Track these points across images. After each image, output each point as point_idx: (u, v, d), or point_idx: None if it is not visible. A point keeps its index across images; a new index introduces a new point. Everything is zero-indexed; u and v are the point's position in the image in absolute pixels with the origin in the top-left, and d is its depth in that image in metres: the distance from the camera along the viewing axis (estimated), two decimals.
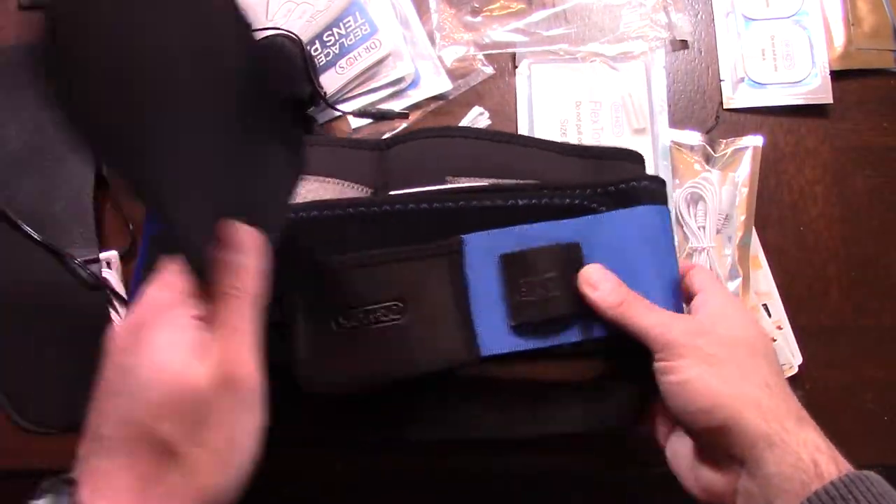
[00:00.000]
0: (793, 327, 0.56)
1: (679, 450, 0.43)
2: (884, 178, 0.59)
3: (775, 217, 0.59)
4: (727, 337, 0.40)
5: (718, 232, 0.57)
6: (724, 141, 0.59)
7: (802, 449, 0.36)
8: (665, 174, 0.58)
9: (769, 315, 0.56)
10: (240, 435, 0.30)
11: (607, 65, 0.60)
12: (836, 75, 0.60)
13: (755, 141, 0.59)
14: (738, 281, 0.56)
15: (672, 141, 0.59)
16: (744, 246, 0.57)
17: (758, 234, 0.58)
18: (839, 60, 0.61)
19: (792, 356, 0.56)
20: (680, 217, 0.57)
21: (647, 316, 0.41)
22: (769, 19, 0.62)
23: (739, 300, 0.54)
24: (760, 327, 0.43)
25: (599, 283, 0.42)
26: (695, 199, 0.57)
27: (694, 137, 0.59)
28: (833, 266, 0.58)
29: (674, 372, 0.39)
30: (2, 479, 0.55)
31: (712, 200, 0.57)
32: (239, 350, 0.31)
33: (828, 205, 0.59)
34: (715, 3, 0.63)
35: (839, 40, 0.61)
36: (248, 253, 0.33)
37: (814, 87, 0.60)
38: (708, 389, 0.38)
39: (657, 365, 0.40)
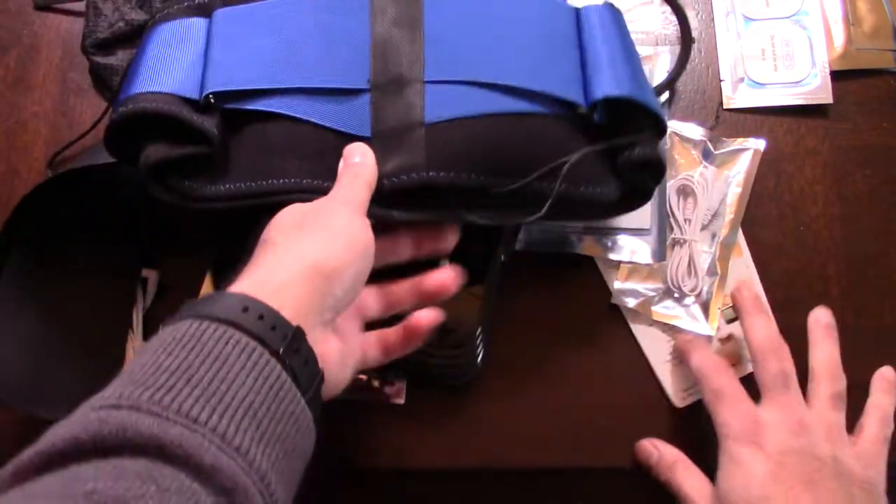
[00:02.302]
0: (792, 327, 0.56)
1: None
2: (884, 178, 0.59)
3: (775, 217, 0.58)
4: None
5: (704, 228, 0.57)
6: (727, 140, 0.59)
7: None
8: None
9: None
10: (335, 227, 0.41)
11: None
12: (836, 75, 0.60)
13: (758, 144, 0.59)
14: (716, 279, 0.56)
15: (675, 132, 0.59)
16: (726, 246, 0.57)
17: (757, 234, 0.58)
18: (839, 60, 0.61)
19: None
20: (668, 206, 0.57)
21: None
22: (769, 19, 0.62)
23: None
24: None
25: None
26: (685, 193, 0.57)
27: (696, 132, 0.59)
28: (833, 266, 0.58)
29: None
30: None
31: (702, 196, 0.57)
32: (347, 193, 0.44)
33: (828, 204, 0.59)
34: (715, 3, 0.63)
35: (839, 40, 0.61)
36: (364, 155, 0.46)
37: (814, 87, 0.60)
38: None
39: None
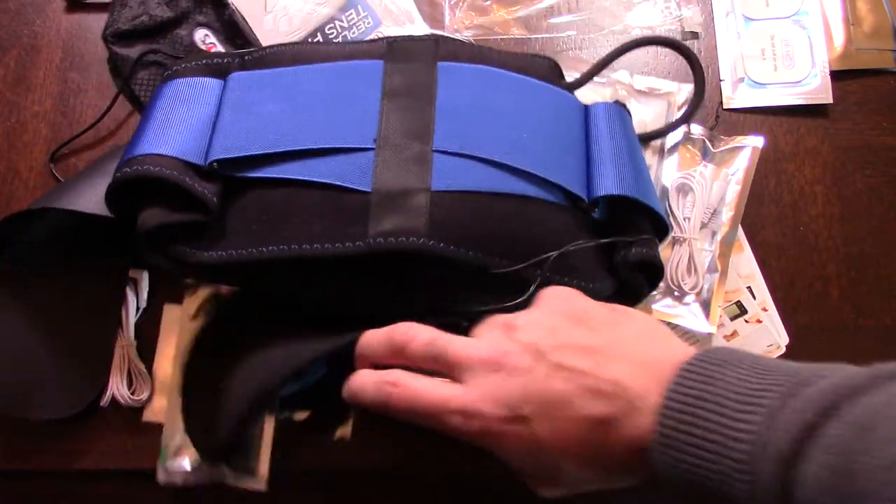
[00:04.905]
0: (792, 326, 0.56)
1: None
2: (884, 178, 0.59)
3: (775, 217, 0.58)
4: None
5: (704, 226, 0.57)
6: (726, 138, 0.59)
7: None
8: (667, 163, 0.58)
9: (753, 297, 0.56)
10: None
11: (632, 98, 0.60)
12: (836, 75, 0.60)
13: (756, 141, 0.59)
14: (716, 276, 0.56)
15: None
16: (727, 243, 0.57)
17: (757, 234, 0.58)
18: (839, 60, 0.61)
19: (778, 336, 0.56)
20: (668, 205, 0.57)
21: None
22: (769, 19, 0.62)
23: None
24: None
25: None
26: (684, 191, 0.57)
27: (695, 130, 0.59)
28: (833, 266, 0.58)
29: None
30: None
31: (701, 194, 0.57)
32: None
33: (828, 204, 0.59)
34: (715, 3, 0.63)
35: (839, 40, 0.61)
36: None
37: (814, 87, 0.60)
38: None
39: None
